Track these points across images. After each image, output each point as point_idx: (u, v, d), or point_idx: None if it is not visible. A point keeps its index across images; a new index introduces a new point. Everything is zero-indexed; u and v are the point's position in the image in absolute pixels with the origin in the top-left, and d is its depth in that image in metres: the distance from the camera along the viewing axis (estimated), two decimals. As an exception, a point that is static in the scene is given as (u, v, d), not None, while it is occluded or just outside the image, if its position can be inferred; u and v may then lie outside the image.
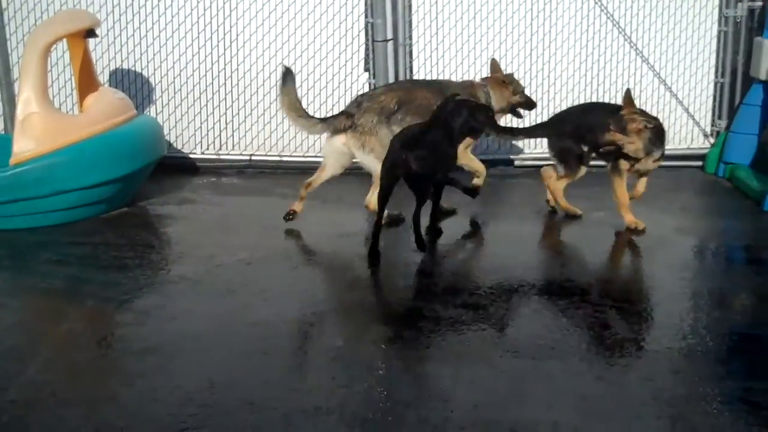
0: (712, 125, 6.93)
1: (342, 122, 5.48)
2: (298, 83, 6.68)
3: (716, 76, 6.92)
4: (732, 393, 3.60)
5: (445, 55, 6.81)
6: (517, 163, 6.95)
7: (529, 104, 6.05)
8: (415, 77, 6.81)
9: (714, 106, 6.90)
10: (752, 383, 3.67)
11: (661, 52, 6.85)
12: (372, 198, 5.57)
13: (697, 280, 4.81)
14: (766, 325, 4.30)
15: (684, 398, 3.55)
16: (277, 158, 6.95)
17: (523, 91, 6.02)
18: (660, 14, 6.83)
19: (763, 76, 6.26)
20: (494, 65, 6.04)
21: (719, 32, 6.84)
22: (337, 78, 6.83)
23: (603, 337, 4.09)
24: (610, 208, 5.64)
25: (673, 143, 6.89)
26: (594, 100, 6.78)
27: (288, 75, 5.47)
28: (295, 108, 5.47)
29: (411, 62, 6.80)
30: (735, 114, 6.65)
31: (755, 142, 6.38)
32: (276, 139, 6.94)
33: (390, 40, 6.71)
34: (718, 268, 4.95)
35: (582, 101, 6.76)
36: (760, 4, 6.71)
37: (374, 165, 5.37)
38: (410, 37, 6.77)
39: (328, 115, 5.93)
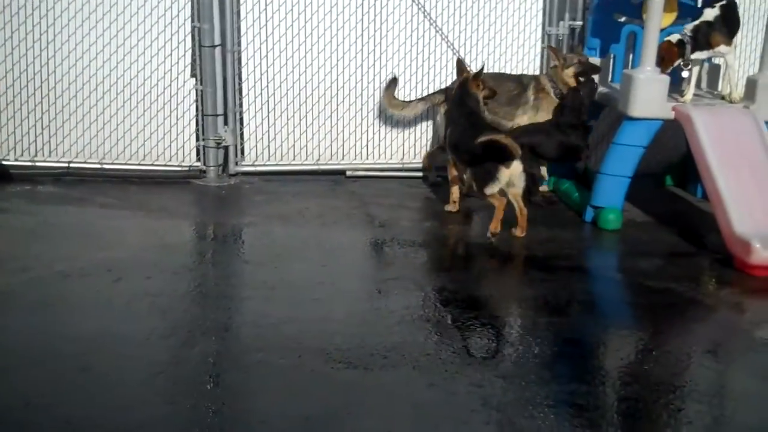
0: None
1: (437, 97, 6.63)
2: (120, 87, 6.50)
3: (538, 91, 7.14)
4: (557, 396, 3.70)
5: (276, 62, 6.70)
6: (348, 173, 6.91)
7: (591, 69, 6.45)
8: (245, 84, 6.67)
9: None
10: (576, 386, 3.78)
11: (488, 67, 6.99)
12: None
13: (523, 288, 4.92)
14: (588, 330, 4.46)
15: (511, 403, 3.62)
16: (98, 165, 6.60)
17: (577, 62, 6.42)
18: (487, 30, 6.98)
19: (583, 92, 6.48)
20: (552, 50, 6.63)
21: (542, 49, 7.07)
22: (163, 83, 6.57)
23: (434, 345, 4.10)
24: (438, 219, 5.74)
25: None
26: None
27: (392, 82, 6.70)
28: (394, 104, 6.68)
29: (240, 68, 6.65)
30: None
31: (575, 156, 6.61)
32: (96, 145, 6.59)
33: (218, 45, 6.53)
34: (543, 276, 5.08)
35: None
36: (580, 23, 6.99)
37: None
38: (239, 44, 6.61)
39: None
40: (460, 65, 6.30)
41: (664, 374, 3.97)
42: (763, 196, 5.40)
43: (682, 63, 5.83)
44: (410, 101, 6.75)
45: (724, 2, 5.94)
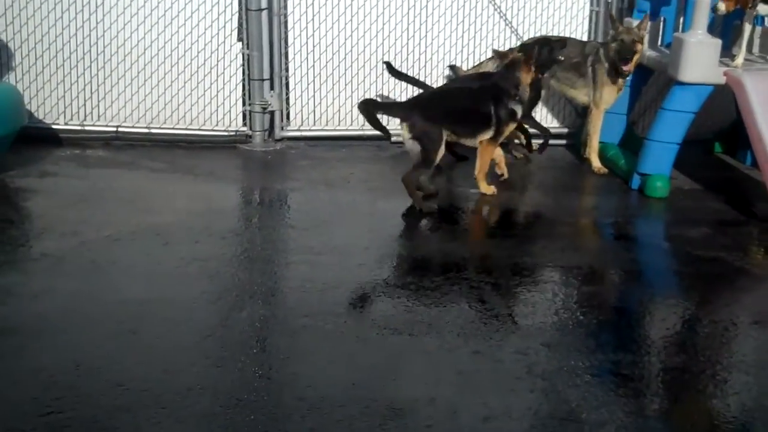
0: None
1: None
2: (167, 52, 6.53)
3: (590, 54, 7.04)
4: (602, 365, 3.70)
5: (322, 26, 6.68)
6: (393, 138, 6.87)
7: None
8: (291, 48, 6.66)
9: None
10: (621, 356, 3.77)
11: (536, 31, 6.92)
12: None
13: (569, 256, 4.89)
14: (634, 299, 4.44)
15: (556, 371, 3.62)
16: (146, 130, 6.64)
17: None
18: (536, -7, 6.90)
19: (633, 57, 6.37)
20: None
21: (591, 12, 6.96)
22: (209, 47, 6.59)
23: (479, 312, 4.12)
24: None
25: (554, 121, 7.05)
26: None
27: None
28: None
29: (286, 32, 6.63)
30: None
31: (624, 122, 6.52)
32: (144, 109, 6.64)
33: (264, 9, 6.52)
34: (588, 244, 5.07)
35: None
36: (630, -16, 6.87)
37: None
38: (285, 7, 6.59)
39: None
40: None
41: (711, 345, 3.96)
42: (815, 165, 5.31)
43: (749, 8, 5.61)
44: (480, 63, 6.59)
45: None
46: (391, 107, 5.74)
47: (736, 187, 6.09)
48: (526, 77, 5.55)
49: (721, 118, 6.68)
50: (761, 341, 4.03)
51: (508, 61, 5.61)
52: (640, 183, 5.87)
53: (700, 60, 5.65)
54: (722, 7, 5.56)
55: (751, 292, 4.64)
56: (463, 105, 5.51)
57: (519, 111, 5.56)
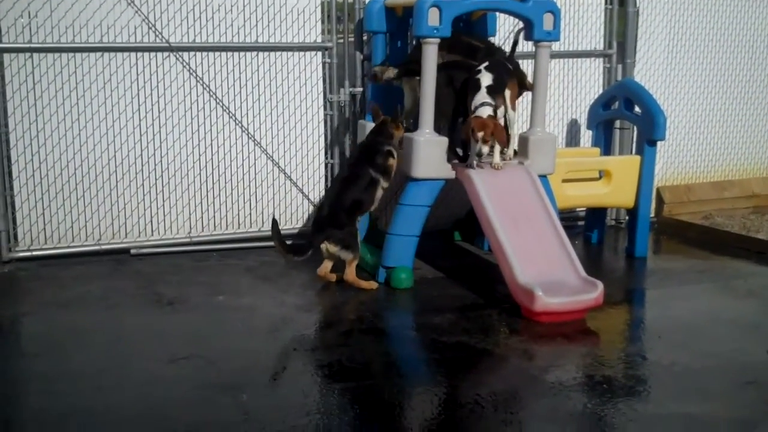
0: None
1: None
2: None
3: (326, 157, 7.18)
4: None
5: (47, 141, 6.32)
6: (133, 251, 6.61)
7: None
8: (15, 166, 6.28)
9: (326, 185, 7.10)
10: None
11: (273, 136, 6.97)
12: None
13: (318, 355, 4.82)
14: (385, 392, 4.39)
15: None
16: None
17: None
18: (268, 100, 6.96)
19: (367, 156, 6.53)
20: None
21: (326, 116, 7.12)
22: None
23: (230, 421, 3.94)
24: (229, 292, 5.62)
25: (291, 222, 7.06)
26: (198, 184, 6.76)
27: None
28: None
29: (8, 150, 6.25)
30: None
31: (368, 218, 6.62)
32: None
33: (-19, 129, 6.16)
34: (338, 340, 5.03)
35: (197, 187, 6.75)
36: (360, 89, 7.10)
37: None
38: (6, 125, 6.22)
39: None
40: (376, 111, 6.28)
41: (462, 428, 3.99)
42: (542, 246, 5.62)
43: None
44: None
45: (486, 63, 6.07)
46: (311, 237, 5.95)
47: (477, 272, 6.32)
48: (398, 132, 6.10)
49: (458, 209, 6.97)
50: (508, 420, 4.10)
51: (380, 121, 6.17)
52: (385, 276, 5.97)
53: (429, 157, 5.89)
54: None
55: (495, 372, 4.76)
56: (351, 184, 5.99)
57: (395, 152, 6.05)
